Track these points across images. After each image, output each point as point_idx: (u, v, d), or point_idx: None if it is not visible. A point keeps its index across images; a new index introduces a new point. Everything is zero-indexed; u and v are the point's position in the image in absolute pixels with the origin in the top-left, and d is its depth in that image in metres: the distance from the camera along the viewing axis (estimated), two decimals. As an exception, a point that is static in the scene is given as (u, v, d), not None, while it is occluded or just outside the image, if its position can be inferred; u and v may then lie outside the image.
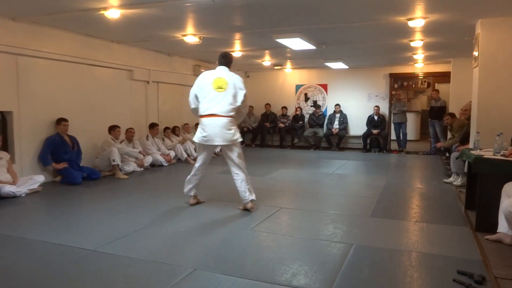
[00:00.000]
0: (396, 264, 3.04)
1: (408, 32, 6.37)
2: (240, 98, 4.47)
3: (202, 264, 2.93)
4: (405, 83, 12.70)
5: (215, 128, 4.31)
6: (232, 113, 4.38)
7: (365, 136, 10.64)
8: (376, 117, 10.63)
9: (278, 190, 5.79)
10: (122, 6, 4.89)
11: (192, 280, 2.69)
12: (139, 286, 2.58)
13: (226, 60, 4.65)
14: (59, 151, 6.05)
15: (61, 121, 6.12)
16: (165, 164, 7.82)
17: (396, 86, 11.84)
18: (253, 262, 3.06)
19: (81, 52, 6.62)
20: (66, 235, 3.59)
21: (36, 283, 2.65)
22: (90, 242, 3.38)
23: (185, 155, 8.35)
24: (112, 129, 6.85)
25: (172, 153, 8.16)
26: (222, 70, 4.57)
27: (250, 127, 11.83)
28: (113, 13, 5.02)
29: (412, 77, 11.85)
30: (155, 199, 5.09)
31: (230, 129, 4.33)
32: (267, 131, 11.67)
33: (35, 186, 5.32)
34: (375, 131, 10.49)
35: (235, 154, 4.46)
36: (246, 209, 4.45)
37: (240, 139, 4.50)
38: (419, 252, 3.25)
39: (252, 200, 4.46)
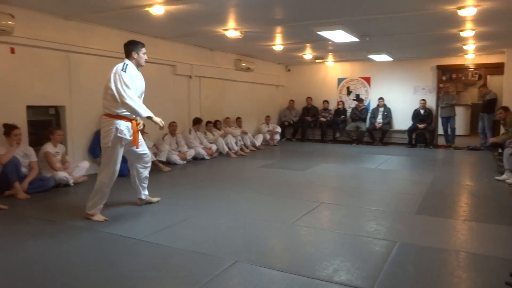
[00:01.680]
0: (442, 263, 2.92)
1: (458, 21, 6.06)
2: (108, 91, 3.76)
3: (243, 257, 2.96)
4: (454, 75, 12.12)
5: None
6: (106, 110, 3.83)
7: (411, 130, 10.29)
8: (422, 111, 10.23)
9: (319, 184, 5.73)
10: (166, 2, 4.99)
11: (233, 272, 2.73)
12: (182, 275, 2.65)
13: (124, 49, 4.06)
14: None
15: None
16: (207, 157, 7.96)
17: (444, 78, 11.33)
18: (294, 256, 3.06)
19: (127, 48, 6.83)
20: (114, 224, 3.75)
21: (86, 269, 2.79)
22: (137, 232, 3.51)
23: (226, 149, 8.45)
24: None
25: (214, 147, 8.29)
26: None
27: (291, 121, 11.78)
28: (158, 10, 5.15)
29: (461, 69, 11.28)
30: (197, 192, 5.20)
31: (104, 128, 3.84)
32: (308, 125, 11.56)
33: (83, 172, 5.65)
34: (421, 126, 10.11)
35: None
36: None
37: (109, 144, 3.80)
38: (468, 252, 3.11)
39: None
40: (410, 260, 2.94)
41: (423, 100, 10.27)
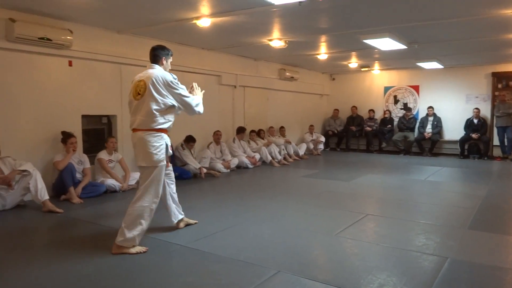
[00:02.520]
0: (498, 282, 2.74)
1: (515, 26, 5.74)
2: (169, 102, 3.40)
3: (285, 267, 2.94)
4: (511, 83, 11.41)
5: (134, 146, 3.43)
6: (150, 125, 3.32)
7: (463, 141, 9.80)
8: (475, 120, 9.73)
9: (364, 196, 5.59)
10: (213, 14, 5.13)
11: (275, 281, 2.71)
12: (225, 283, 2.67)
13: (152, 53, 3.67)
14: None
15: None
16: (250, 166, 8.01)
17: (500, 86, 10.69)
18: (338, 268, 2.99)
19: (174, 59, 6.95)
20: (158, 230, 3.85)
21: (131, 272, 2.88)
22: (181, 238, 3.59)
23: (269, 158, 8.47)
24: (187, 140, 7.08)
25: (257, 156, 8.33)
26: (146, 70, 3.57)
27: (335, 131, 11.61)
28: (204, 22, 5.30)
29: (519, 76, 10.62)
30: (241, 200, 5.24)
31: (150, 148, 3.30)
32: (352, 134, 11.34)
33: (133, 182, 5.85)
34: (474, 136, 9.60)
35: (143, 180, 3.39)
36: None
37: (164, 162, 3.40)
38: (527, 272, 2.89)
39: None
40: (462, 277, 2.78)
41: (476, 109, 9.77)
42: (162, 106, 3.35)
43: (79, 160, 5.36)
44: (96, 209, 4.76)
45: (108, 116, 6.28)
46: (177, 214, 3.90)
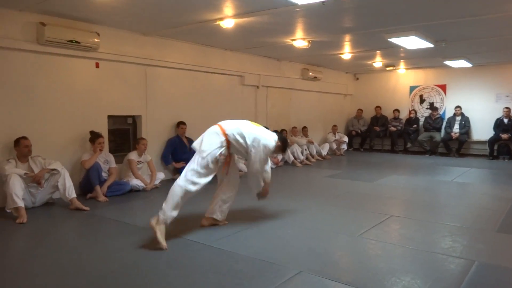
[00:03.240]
0: (529, 288, 2.65)
1: (548, 22, 5.52)
2: None
3: (307, 267, 2.93)
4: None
5: None
6: None
7: (492, 141, 9.50)
8: (506, 120, 9.42)
9: (388, 197, 5.50)
10: (236, 15, 5.16)
11: (297, 281, 2.71)
12: (246, 282, 2.69)
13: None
14: (178, 151, 6.64)
15: (180, 124, 6.72)
16: (272, 166, 8.01)
17: (531, 84, 10.33)
18: (361, 270, 2.96)
19: (198, 60, 7.17)
20: (182, 229, 3.90)
21: (156, 269, 2.93)
22: (204, 237, 3.63)
23: (292, 158, 8.45)
24: None
25: (280, 156, 8.32)
26: None
27: (359, 131, 11.47)
28: (228, 23, 5.33)
29: (553, 73, 10.22)
30: (263, 200, 5.23)
31: None
32: (376, 135, 11.17)
33: (157, 182, 5.94)
34: (504, 136, 9.29)
35: None
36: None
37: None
38: (560, 277, 2.78)
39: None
40: (490, 282, 2.71)
41: (507, 108, 9.46)
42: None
43: (105, 159, 5.49)
44: (121, 207, 4.87)
45: (133, 117, 6.41)
46: (215, 211, 4.05)
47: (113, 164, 5.55)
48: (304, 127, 9.63)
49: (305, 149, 9.04)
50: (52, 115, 5.25)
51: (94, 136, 5.31)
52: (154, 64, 6.42)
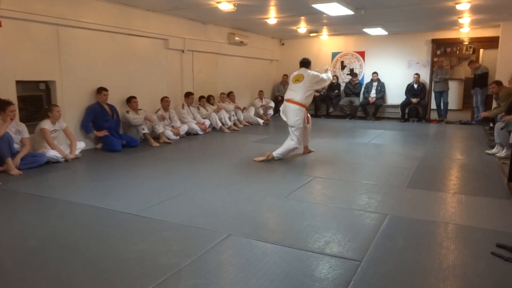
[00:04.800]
0: (432, 235, 3.00)
1: (454, -6, 5.98)
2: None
3: (236, 230, 3.01)
4: (449, 49, 12.04)
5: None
6: (301, 101, 5.48)
7: (404, 105, 10.31)
8: (416, 86, 10.24)
9: (312, 159, 5.78)
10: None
11: (227, 245, 2.78)
12: (176, 249, 2.70)
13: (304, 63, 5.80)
14: (99, 119, 6.28)
15: (101, 90, 6.32)
16: (200, 132, 7.95)
17: (438, 52, 11.27)
18: (287, 229, 3.12)
19: (118, 21, 6.71)
20: (108, 199, 3.77)
21: (79, 244, 2.82)
22: (131, 207, 3.54)
23: (219, 124, 8.44)
24: (128, 100, 6.85)
25: (207, 122, 8.27)
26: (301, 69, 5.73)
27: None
28: (148, -19, 5.01)
29: (456, 42, 11.20)
30: (191, 167, 5.22)
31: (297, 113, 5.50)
32: (301, 100, 11.50)
33: (77, 152, 5.61)
34: (414, 100, 10.14)
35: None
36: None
37: (301, 125, 5.54)
38: (456, 224, 3.18)
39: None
40: (400, 232, 3.01)
41: (416, 74, 10.25)
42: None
43: (17, 129, 5.01)
44: (37, 181, 4.54)
45: (46, 82, 5.89)
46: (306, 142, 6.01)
47: (26, 134, 5.09)
48: (231, 93, 9.60)
49: (233, 115, 9.07)
50: None
51: (3, 104, 4.79)
52: (68, 24, 5.88)
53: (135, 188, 4.19)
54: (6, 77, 5.23)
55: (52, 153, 5.25)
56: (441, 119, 10.13)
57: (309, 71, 5.64)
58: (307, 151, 6.07)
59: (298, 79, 5.54)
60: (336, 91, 11.30)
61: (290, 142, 5.53)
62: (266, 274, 2.35)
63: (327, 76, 5.80)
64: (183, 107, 7.93)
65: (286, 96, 5.62)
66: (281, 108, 5.70)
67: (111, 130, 6.33)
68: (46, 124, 5.30)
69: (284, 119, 5.57)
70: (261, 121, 9.76)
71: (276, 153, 5.51)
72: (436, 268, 2.46)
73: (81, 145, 5.80)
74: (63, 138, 5.68)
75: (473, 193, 4.06)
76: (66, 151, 5.47)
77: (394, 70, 10.94)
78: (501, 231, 3.01)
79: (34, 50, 5.54)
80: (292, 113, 5.47)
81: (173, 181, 4.48)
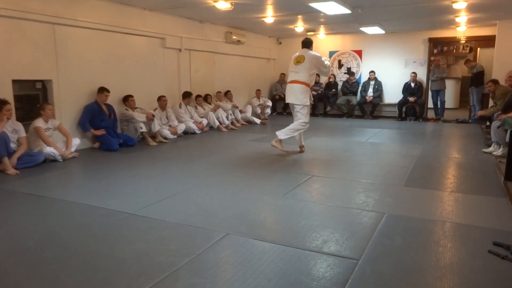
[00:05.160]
0: (429, 234, 3.00)
1: (451, -8, 5.99)
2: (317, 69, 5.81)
3: (234, 229, 3.01)
4: (445, 48, 12.06)
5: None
6: (305, 80, 5.60)
7: (401, 104, 10.34)
8: (413, 84, 10.26)
9: (310, 158, 5.78)
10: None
11: (224, 244, 2.78)
12: (174, 248, 2.70)
13: (306, 43, 5.95)
14: (96, 118, 6.26)
15: (103, 90, 6.33)
16: (197, 131, 7.94)
17: (435, 51, 11.29)
18: (284, 228, 3.12)
19: (115, 20, 6.69)
20: (105, 199, 3.76)
21: (77, 243, 2.81)
22: (128, 206, 3.53)
23: (217, 123, 8.44)
24: (126, 99, 6.83)
25: (205, 121, 8.26)
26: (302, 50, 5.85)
27: (282, 95, 11.71)
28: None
29: (453, 41, 11.21)
30: (189, 166, 5.22)
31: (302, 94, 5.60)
32: (299, 99, 11.50)
33: (72, 149, 5.61)
34: (411, 99, 10.16)
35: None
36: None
37: (308, 104, 5.67)
38: (453, 223, 3.19)
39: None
40: (397, 230, 3.02)
41: (413, 73, 10.27)
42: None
43: (13, 128, 4.99)
44: (34, 180, 4.53)
45: (42, 81, 5.86)
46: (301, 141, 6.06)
47: (22, 133, 5.07)
48: (228, 91, 9.59)
49: (230, 114, 9.07)
50: None
51: (0, 104, 4.77)
52: (64, 23, 5.85)
53: (132, 188, 4.18)
54: (2, 76, 5.21)
55: (49, 150, 5.23)
56: (438, 118, 10.16)
57: (310, 51, 5.74)
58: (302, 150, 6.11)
59: (299, 61, 5.64)
60: (334, 90, 11.31)
61: (297, 121, 5.64)
62: (263, 273, 2.35)
63: (327, 62, 5.90)
64: (180, 106, 7.92)
65: (289, 79, 5.70)
66: (286, 92, 5.78)
67: (108, 130, 6.32)
68: (39, 123, 5.28)
69: (289, 101, 5.64)
70: (258, 120, 9.75)
71: (282, 133, 5.61)
72: (433, 266, 2.47)
73: (76, 141, 5.77)
74: (59, 136, 5.65)
75: (470, 191, 4.07)
76: (62, 149, 5.46)
77: (391, 69, 10.96)
78: (498, 229, 3.02)
79: (31, 49, 5.52)
80: (297, 92, 5.55)
81: (171, 180, 4.47)
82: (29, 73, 5.58)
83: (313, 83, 5.71)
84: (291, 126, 5.66)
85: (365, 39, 11.17)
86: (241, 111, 9.64)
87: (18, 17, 5.28)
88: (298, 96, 5.57)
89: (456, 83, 12.62)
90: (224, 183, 4.39)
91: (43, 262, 2.52)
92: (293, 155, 5.87)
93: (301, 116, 5.61)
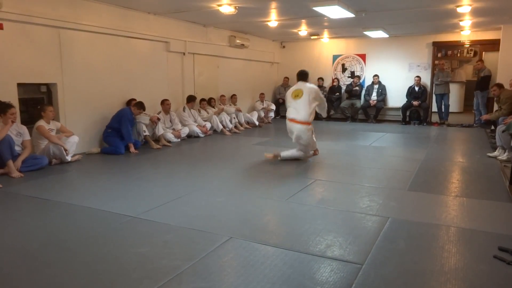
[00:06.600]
0: (433, 238, 2.98)
1: (455, -4, 5.99)
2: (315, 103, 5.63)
3: (238, 233, 3.00)
4: (450, 52, 12.06)
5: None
6: (309, 119, 5.51)
7: (405, 108, 10.31)
8: (417, 88, 10.23)
9: (313, 162, 5.77)
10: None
11: (228, 247, 2.78)
12: (177, 251, 2.69)
13: (302, 75, 5.77)
14: (129, 124, 6.37)
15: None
16: (201, 135, 7.95)
17: (439, 55, 11.28)
18: (288, 232, 3.11)
19: (119, 24, 6.73)
20: (108, 202, 3.77)
21: (81, 246, 2.82)
22: (132, 209, 3.54)
23: (220, 127, 8.45)
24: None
25: (208, 124, 8.27)
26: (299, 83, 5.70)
27: (286, 99, 11.72)
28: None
29: (457, 45, 11.21)
30: (192, 169, 5.22)
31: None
32: (302, 102, 11.50)
33: (74, 147, 5.62)
34: (415, 103, 10.13)
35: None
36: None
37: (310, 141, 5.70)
38: (458, 227, 3.17)
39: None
40: (402, 235, 3.00)
41: (417, 77, 10.25)
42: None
43: (18, 132, 5.02)
44: (39, 183, 4.54)
45: (47, 85, 5.89)
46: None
47: (27, 136, 5.10)
48: (233, 95, 9.61)
49: (234, 117, 9.08)
50: None
51: (4, 107, 4.79)
52: (69, 27, 5.89)
53: (136, 191, 4.19)
54: (8, 80, 5.24)
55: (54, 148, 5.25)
56: (442, 122, 10.12)
57: (307, 84, 5.60)
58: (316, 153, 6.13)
59: (297, 95, 5.49)
60: (337, 93, 11.30)
61: (298, 152, 5.66)
62: (267, 277, 2.34)
63: (322, 96, 5.97)
64: (184, 110, 7.93)
65: (289, 115, 5.56)
66: (287, 126, 5.65)
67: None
68: (42, 123, 5.29)
69: (292, 137, 5.58)
70: (257, 122, 9.76)
71: (284, 154, 5.64)
72: (438, 271, 2.45)
73: (74, 139, 5.71)
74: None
75: (474, 196, 4.05)
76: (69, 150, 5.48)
77: (395, 73, 10.94)
78: (503, 234, 3.00)
79: (36, 53, 5.55)
80: (300, 134, 5.48)
81: (174, 184, 4.48)
82: (34, 76, 5.61)
83: (312, 119, 5.57)
84: (294, 153, 5.67)
85: (368, 43, 11.16)
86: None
87: (23, 21, 5.32)
88: (302, 137, 5.49)
89: (460, 87, 12.57)
90: (228, 187, 4.39)
91: (47, 265, 2.52)
92: (296, 159, 5.85)
93: (303, 148, 5.62)
